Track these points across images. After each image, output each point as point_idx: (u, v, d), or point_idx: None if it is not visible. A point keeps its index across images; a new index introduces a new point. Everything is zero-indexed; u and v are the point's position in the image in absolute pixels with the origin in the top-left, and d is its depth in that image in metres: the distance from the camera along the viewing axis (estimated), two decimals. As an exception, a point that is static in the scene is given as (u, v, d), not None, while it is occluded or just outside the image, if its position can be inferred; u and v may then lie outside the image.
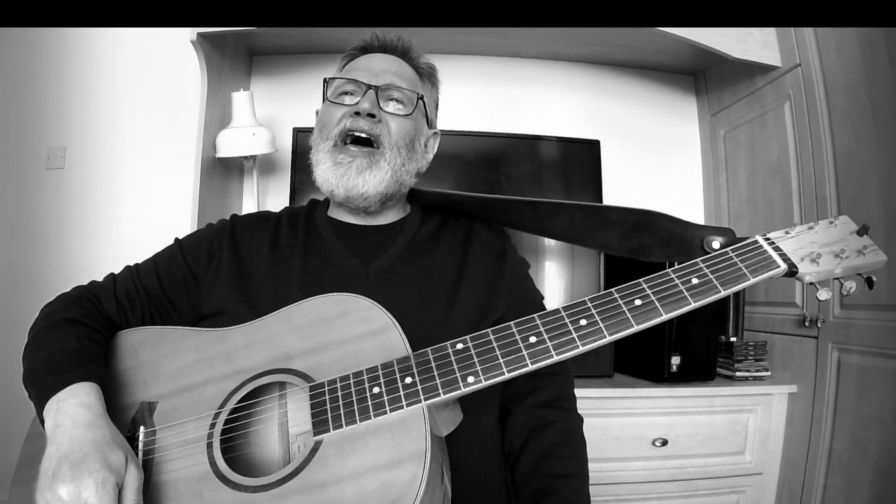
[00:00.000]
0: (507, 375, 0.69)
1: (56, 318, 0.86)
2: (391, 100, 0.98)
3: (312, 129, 1.04)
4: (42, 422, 0.74)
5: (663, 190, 2.40)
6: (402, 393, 0.69)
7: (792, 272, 0.73)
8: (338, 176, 0.93)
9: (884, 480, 1.50)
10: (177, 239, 1.03)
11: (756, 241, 0.75)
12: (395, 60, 1.02)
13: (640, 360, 1.95)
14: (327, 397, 0.72)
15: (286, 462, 0.77)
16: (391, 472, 0.64)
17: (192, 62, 1.90)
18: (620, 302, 0.71)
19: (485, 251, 1.01)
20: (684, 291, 0.71)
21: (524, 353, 0.70)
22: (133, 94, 2.27)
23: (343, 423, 0.69)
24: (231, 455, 0.75)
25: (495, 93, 2.36)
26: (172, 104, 2.25)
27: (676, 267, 0.74)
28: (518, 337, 0.71)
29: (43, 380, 0.76)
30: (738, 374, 1.91)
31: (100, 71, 2.27)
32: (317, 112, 1.06)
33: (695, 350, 1.85)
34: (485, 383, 0.69)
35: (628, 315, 0.70)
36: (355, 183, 0.93)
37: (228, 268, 0.95)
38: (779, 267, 0.72)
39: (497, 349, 0.71)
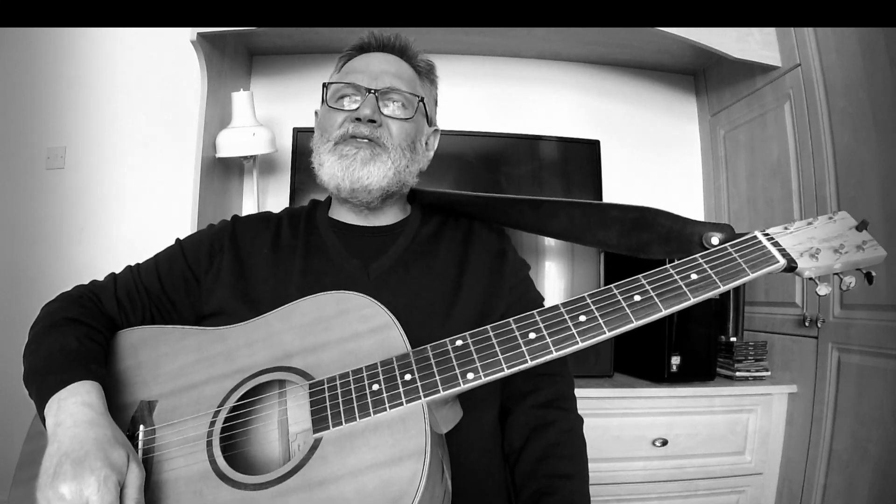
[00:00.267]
0: (507, 372, 0.69)
1: (57, 317, 0.86)
2: (391, 102, 0.97)
3: (312, 129, 1.04)
4: (43, 421, 0.74)
5: (663, 190, 2.40)
6: (401, 390, 0.69)
7: (791, 267, 0.73)
8: (343, 168, 0.93)
9: (884, 480, 1.50)
10: (178, 239, 1.03)
11: (755, 237, 0.75)
12: (393, 60, 1.01)
13: (640, 360, 1.94)
14: (327, 395, 0.72)
15: (286, 460, 0.77)
16: (391, 469, 0.64)
17: (192, 62, 1.90)
18: (619, 298, 0.71)
19: (485, 251, 1.01)
20: (683, 287, 0.71)
21: (523, 349, 0.70)
22: (133, 94, 2.27)
23: (343, 420, 0.69)
24: (231, 453, 0.75)
25: (495, 93, 2.37)
26: (172, 104, 2.25)
27: (675, 263, 0.74)
28: (517, 333, 0.71)
29: (44, 379, 0.76)
30: (738, 374, 1.91)
31: (100, 71, 2.27)
32: (316, 112, 1.06)
33: (695, 350, 1.85)
34: (484, 380, 0.69)
35: (627, 311, 0.70)
36: (360, 174, 0.93)
37: (229, 268, 0.95)
38: (778, 262, 0.72)
39: (496, 346, 0.71)
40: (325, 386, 0.73)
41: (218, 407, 0.77)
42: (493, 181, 2.02)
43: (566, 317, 0.71)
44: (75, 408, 0.72)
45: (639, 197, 2.34)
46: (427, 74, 1.06)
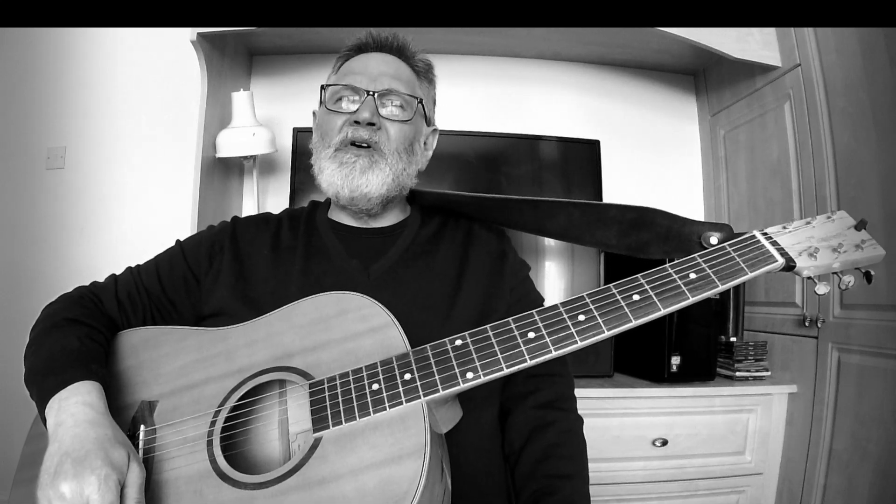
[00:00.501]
0: (506, 371, 0.69)
1: (57, 317, 0.86)
2: (390, 103, 0.97)
3: (311, 129, 1.04)
4: (44, 421, 0.74)
5: (663, 190, 2.41)
6: (401, 389, 0.70)
7: (790, 266, 0.73)
8: (342, 176, 0.93)
9: (884, 480, 1.50)
10: (178, 240, 1.03)
11: (753, 236, 0.76)
12: (391, 60, 1.01)
13: (640, 360, 1.94)
14: (327, 394, 0.72)
15: (286, 459, 0.77)
16: (391, 468, 0.64)
17: (192, 62, 1.90)
18: (618, 297, 0.71)
19: (485, 252, 1.01)
20: (682, 286, 0.71)
21: (522, 348, 0.70)
22: (133, 94, 2.27)
23: (342, 419, 0.70)
24: (231, 453, 0.75)
25: (495, 93, 2.37)
26: (172, 104, 2.25)
27: (674, 262, 0.74)
28: (517, 333, 0.71)
29: (44, 379, 0.76)
30: (738, 374, 1.91)
31: (100, 71, 2.28)
32: (314, 113, 1.06)
33: (695, 350, 1.85)
34: (483, 379, 0.69)
35: (626, 310, 0.70)
36: (359, 182, 0.93)
37: (229, 269, 0.95)
38: (776, 261, 0.73)
39: (496, 345, 0.71)
40: (325, 385, 0.73)
41: (218, 407, 0.77)
42: (493, 181, 2.02)
43: (565, 316, 0.71)
44: (76, 407, 0.72)
45: (639, 197, 2.34)
46: (425, 74, 1.06)
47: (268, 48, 2.25)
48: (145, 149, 2.26)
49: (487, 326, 0.73)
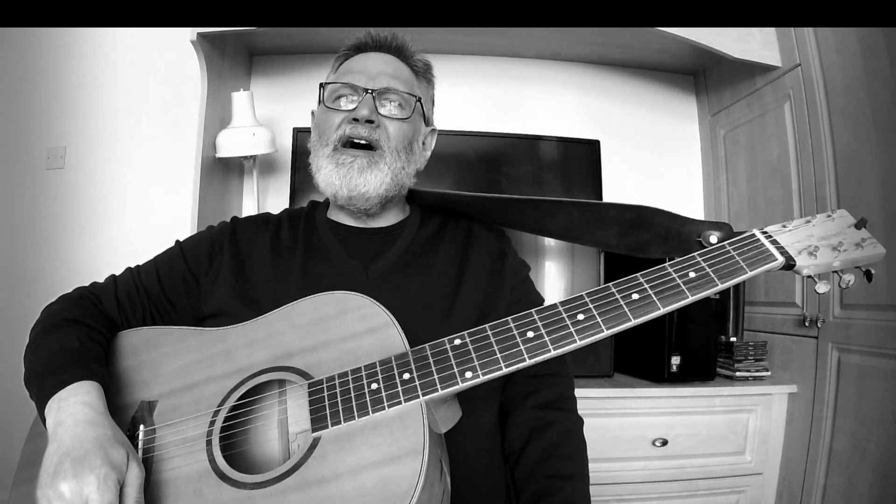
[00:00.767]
0: (505, 370, 0.69)
1: (57, 318, 0.86)
2: (388, 102, 0.97)
3: (311, 129, 1.04)
4: (44, 421, 0.74)
5: (663, 190, 2.41)
6: (399, 389, 0.70)
7: (790, 265, 0.73)
8: (341, 176, 0.93)
9: (884, 480, 1.50)
10: (178, 241, 1.03)
11: (753, 235, 0.76)
12: (390, 60, 1.01)
13: (640, 360, 1.94)
14: (326, 394, 0.72)
15: (286, 459, 0.77)
16: (389, 467, 0.64)
17: (192, 62, 1.90)
18: (618, 296, 0.71)
19: (485, 252, 1.01)
20: (682, 285, 0.71)
21: (521, 347, 0.70)
22: (133, 94, 2.27)
23: (341, 419, 0.70)
24: (231, 452, 0.75)
25: (495, 93, 2.37)
26: (172, 104, 2.25)
27: (673, 261, 0.74)
28: (516, 332, 0.71)
29: (44, 379, 0.76)
30: (738, 374, 1.91)
31: (100, 71, 2.28)
32: (312, 113, 1.06)
33: (695, 350, 1.85)
34: (482, 378, 0.69)
35: (626, 309, 0.70)
36: (357, 182, 0.93)
37: (229, 269, 0.95)
38: (776, 260, 0.73)
39: (495, 344, 0.71)
40: (325, 385, 0.73)
41: (218, 406, 0.77)
42: (493, 181, 2.02)
43: (564, 315, 0.71)
44: (75, 407, 0.72)
45: (639, 197, 2.34)
46: (424, 74, 1.06)
47: (268, 48, 2.25)
48: (145, 149, 2.26)
49: (486, 326, 0.73)
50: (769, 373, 1.92)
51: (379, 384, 0.71)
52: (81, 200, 2.24)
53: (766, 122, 2.02)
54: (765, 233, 0.76)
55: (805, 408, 1.78)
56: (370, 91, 0.95)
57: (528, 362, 0.69)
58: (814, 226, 0.76)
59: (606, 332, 0.69)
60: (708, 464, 1.81)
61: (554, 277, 2.00)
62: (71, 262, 2.21)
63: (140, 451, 0.76)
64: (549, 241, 1.98)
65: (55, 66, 2.28)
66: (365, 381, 0.71)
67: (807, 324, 1.78)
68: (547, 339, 0.70)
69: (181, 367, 0.83)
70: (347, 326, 0.78)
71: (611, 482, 1.75)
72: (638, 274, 0.73)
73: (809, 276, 0.74)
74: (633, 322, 0.70)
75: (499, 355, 0.70)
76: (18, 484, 0.81)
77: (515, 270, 1.03)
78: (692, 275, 0.72)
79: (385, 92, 0.96)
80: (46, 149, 2.25)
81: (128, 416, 0.80)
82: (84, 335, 0.83)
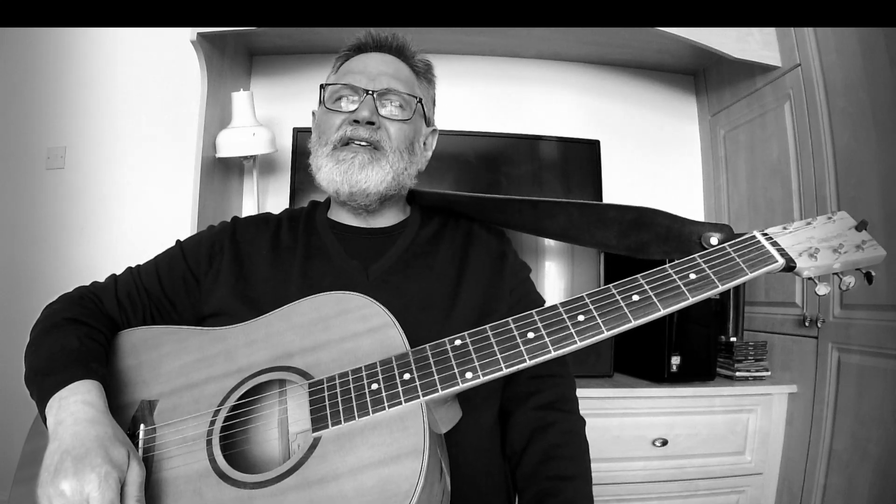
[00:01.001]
0: (505, 371, 0.69)
1: (58, 317, 0.87)
2: (389, 103, 0.97)
3: (311, 129, 1.04)
4: (44, 420, 0.74)
5: (663, 190, 2.41)
6: (400, 389, 0.70)
7: (790, 267, 0.73)
8: (341, 172, 0.93)
9: (884, 480, 1.50)
10: (178, 241, 1.03)
11: (754, 237, 0.76)
12: (391, 60, 1.01)
13: (640, 360, 1.94)
14: (326, 394, 0.72)
15: (286, 459, 0.77)
16: (389, 467, 0.64)
17: (192, 62, 1.90)
18: (618, 297, 0.71)
19: (485, 253, 1.01)
20: (682, 287, 0.71)
21: (522, 348, 0.70)
22: (133, 94, 2.27)
23: (342, 419, 0.70)
24: (231, 452, 0.75)
25: (495, 93, 2.37)
26: (172, 104, 2.25)
27: (674, 263, 0.74)
28: (516, 333, 0.71)
29: (45, 378, 0.77)
30: (738, 374, 1.91)
31: (100, 71, 2.28)
32: (313, 113, 1.06)
33: (695, 350, 1.85)
34: (483, 379, 0.69)
35: (626, 311, 0.70)
36: (358, 178, 0.93)
37: (229, 269, 0.95)
38: (776, 262, 0.73)
39: (495, 345, 0.71)
40: (325, 385, 0.73)
41: (218, 406, 0.78)
42: (493, 181, 2.02)
43: (564, 316, 0.71)
44: (76, 406, 0.72)
45: (639, 197, 2.34)
46: (425, 74, 1.06)
47: (268, 48, 2.25)
48: (145, 149, 2.26)
49: (487, 326, 0.73)
50: (769, 373, 1.92)
51: (379, 384, 0.71)
52: (81, 200, 2.24)
53: (766, 122, 2.02)
54: (765, 234, 0.76)
55: (805, 408, 1.78)
56: (371, 92, 0.95)
57: (529, 363, 0.69)
58: (814, 227, 0.76)
59: (607, 334, 0.69)
60: (708, 464, 1.81)
61: (554, 278, 2.00)
62: (71, 262, 2.21)
63: (140, 451, 0.76)
64: (549, 242, 1.98)
65: (55, 66, 2.28)
66: (365, 381, 0.71)
67: (807, 324, 1.78)
68: (547, 339, 0.70)
69: (181, 366, 0.83)
70: (348, 326, 0.78)
71: (611, 482, 1.75)
72: (638, 275, 0.73)
73: (810, 278, 0.74)
74: (634, 323, 0.70)
75: (499, 356, 0.70)
76: (19, 483, 0.81)
77: (516, 271, 1.03)
78: (692, 276, 0.72)
79: (386, 93, 0.96)
80: (46, 149, 2.25)
81: (128, 415, 0.80)
82: (84, 334, 0.83)
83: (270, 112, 2.22)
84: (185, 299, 0.96)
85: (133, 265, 1.01)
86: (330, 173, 0.94)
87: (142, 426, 0.78)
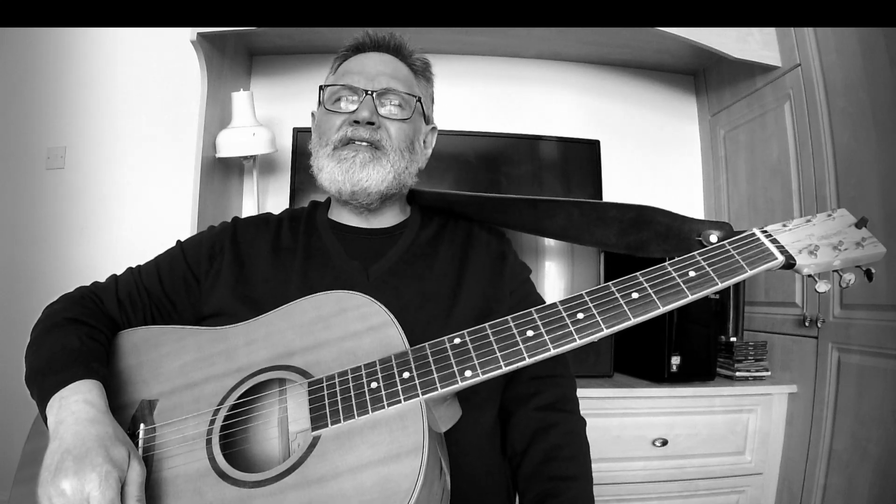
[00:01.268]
0: (505, 369, 0.69)
1: (58, 317, 0.87)
2: (389, 102, 0.97)
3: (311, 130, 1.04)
4: (45, 419, 0.75)
5: (663, 190, 2.41)
6: (399, 388, 0.70)
7: (790, 264, 0.73)
8: (343, 171, 0.93)
9: (884, 480, 1.50)
10: (179, 241, 1.03)
11: (753, 234, 0.76)
12: (389, 60, 1.01)
13: (640, 360, 1.94)
14: (326, 393, 0.72)
15: (286, 458, 0.77)
16: (389, 466, 0.64)
17: (192, 62, 1.90)
18: (617, 295, 0.71)
19: (485, 253, 1.01)
20: (681, 284, 0.71)
21: (521, 346, 0.70)
22: (133, 94, 2.27)
23: (342, 418, 0.70)
24: (231, 451, 0.75)
25: (495, 93, 2.37)
26: (172, 104, 2.25)
27: (673, 260, 0.74)
28: (515, 331, 0.71)
29: (45, 378, 0.77)
30: (738, 374, 1.91)
31: (100, 71, 2.28)
32: (312, 114, 1.06)
33: (695, 350, 1.85)
34: (482, 377, 0.69)
35: (625, 308, 0.70)
36: (360, 177, 0.93)
37: (229, 269, 0.96)
38: (776, 259, 0.73)
39: (494, 343, 0.71)
40: (325, 384, 0.73)
41: (218, 405, 0.78)
42: (493, 181, 2.02)
43: (564, 314, 0.71)
44: (77, 406, 0.72)
45: (639, 197, 2.34)
46: (423, 73, 1.06)
47: (268, 48, 2.25)
48: (145, 149, 2.26)
49: (486, 325, 0.73)
50: (769, 373, 1.92)
51: (379, 383, 0.71)
52: (81, 200, 2.24)
53: (766, 122, 2.02)
54: (765, 232, 0.76)
55: (805, 408, 1.78)
56: (370, 92, 0.95)
57: (528, 361, 0.69)
58: (814, 225, 0.76)
59: (606, 331, 0.69)
60: (708, 464, 1.81)
61: (554, 277, 2.00)
62: (71, 262, 2.21)
63: (140, 450, 0.76)
64: (549, 241, 1.98)
65: (55, 66, 2.28)
66: (365, 380, 0.71)
67: (807, 324, 1.78)
68: (546, 338, 0.70)
69: (181, 366, 0.83)
70: (347, 325, 0.78)
71: (611, 482, 1.75)
72: (638, 273, 0.73)
73: (810, 276, 0.74)
74: (633, 321, 0.70)
75: (498, 354, 0.70)
76: (19, 483, 0.81)
77: (516, 273, 1.03)
78: (692, 274, 0.72)
79: (385, 92, 0.97)
80: (46, 149, 2.25)
81: (128, 414, 0.80)
82: (85, 334, 0.83)
83: (270, 112, 2.22)
84: (185, 299, 0.96)
85: (133, 265, 1.01)
86: (332, 173, 0.94)
87: (142, 425, 0.78)
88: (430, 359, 0.71)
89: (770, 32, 1.94)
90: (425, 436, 0.65)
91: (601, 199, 2.02)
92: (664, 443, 1.77)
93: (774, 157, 1.98)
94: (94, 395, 0.74)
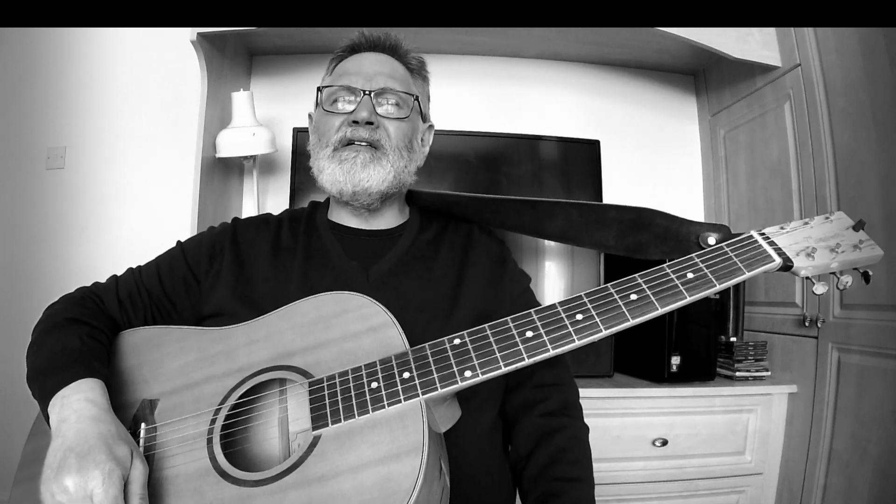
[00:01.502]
0: (504, 369, 0.69)
1: (59, 317, 0.87)
2: (386, 102, 0.98)
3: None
4: (47, 419, 0.75)
5: (663, 190, 2.41)
6: (399, 388, 0.70)
7: (787, 266, 0.74)
8: (344, 172, 0.94)
9: (884, 480, 1.50)
10: (179, 242, 1.04)
11: (751, 237, 0.76)
12: (385, 59, 1.01)
13: (640, 360, 1.95)
14: (326, 393, 0.73)
15: (286, 458, 0.77)
16: (389, 465, 0.64)
17: (192, 62, 1.90)
18: (616, 297, 0.72)
19: (485, 256, 1.02)
20: (679, 286, 0.71)
21: (520, 347, 0.70)
22: (133, 94, 2.27)
23: (342, 417, 0.70)
24: (231, 450, 0.75)
25: (495, 93, 2.37)
26: (172, 104, 2.25)
27: (672, 262, 0.74)
28: (515, 332, 0.72)
29: (47, 377, 0.77)
30: (738, 374, 1.91)
31: (100, 71, 2.28)
32: (309, 116, 1.06)
33: (695, 350, 1.85)
34: (482, 378, 0.70)
35: (624, 309, 0.71)
36: (361, 177, 0.93)
37: (229, 270, 0.96)
38: (774, 261, 0.73)
39: (494, 344, 0.71)
40: (325, 384, 0.74)
41: (219, 405, 0.78)
42: (493, 181, 2.02)
43: (563, 315, 0.72)
44: (79, 404, 0.72)
45: (639, 197, 2.35)
46: (419, 71, 1.07)
47: (268, 48, 2.26)
48: (145, 149, 2.26)
49: (486, 326, 0.74)
50: (769, 373, 1.92)
51: (379, 383, 0.71)
52: (81, 200, 2.24)
53: (766, 122, 2.02)
54: (762, 234, 0.76)
55: (805, 408, 1.78)
56: (368, 92, 0.95)
57: (527, 361, 0.69)
58: (812, 227, 0.76)
59: (605, 332, 0.70)
60: (708, 464, 1.81)
61: (554, 278, 2.00)
62: (71, 262, 2.21)
63: (141, 449, 0.76)
64: (550, 242, 1.98)
65: (55, 66, 2.28)
66: (365, 380, 0.72)
67: (807, 324, 1.78)
68: (546, 338, 0.70)
69: (182, 366, 0.84)
70: (348, 326, 0.78)
71: (611, 482, 1.75)
72: (636, 275, 0.73)
73: (807, 278, 0.74)
74: (632, 322, 0.70)
75: (498, 354, 0.70)
76: (19, 482, 0.81)
77: (516, 279, 1.04)
78: (690, 276, 0.72)
79: (382, 92, 0.97)
80: (46, 149, 2.25)
81: (129, 414, 0.81)
82: (86, 334, 0.83)
83: (270, 112, 2.22)
84: (185, 299, 0.97)
85: (134, 266, 1.01)
86: (333, 174, 0.95)
87: (142, 425, 0.79)
88: (430, 359, 0.72)
89: (770, 32, 1.94)
90: (425, 435, 0.66)
91: (601, 199, 2.02)
92: (664, 443, 1.77)
93: (774, 157, 1.98)
94: (95, 393, 0.75)
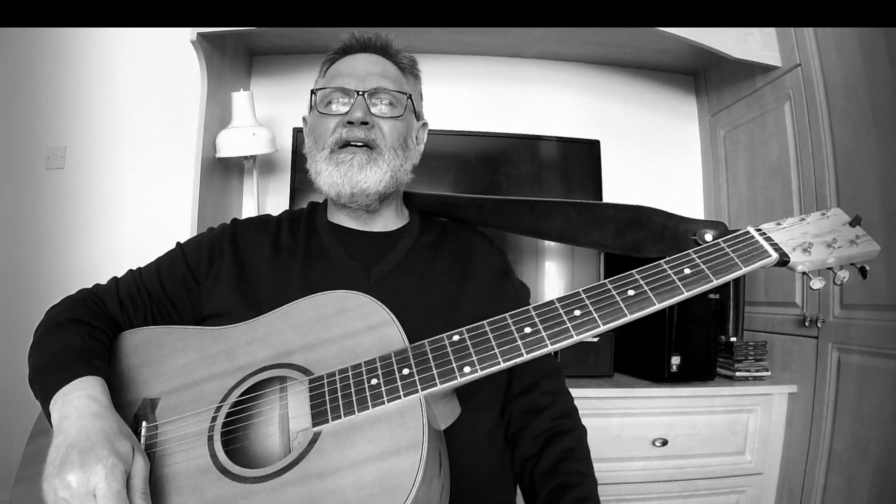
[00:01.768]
0: (503, 365, 0.70)
1: (60, 318, 0.87)
2: (380, 101, 0.98)
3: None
4: (48, 417, 0.75)
5: (663, 190, 2.41)
6: (399, 384, 0.70)
7: (784, 261, 0.74)
8: (341, 174, 0.94)
9: (884, 480, 1.50)
10: (179, 243, 1.04)
11: (748, 232, 0.76)
12: (377, 60, 1.02)
13: (640, 360, 1.94)
14: (326, 389, 0.73)
15: (286, 454, 0.77)
16: (389, 461, 0.64)
17: (192, 62, 1.90)
18: (614, 293, 0.72)
19: (486, 260, 1.03)
20: (677, 281, 0.72)
21: (519, 342, 0.70)
22: (133, 94, 2.28)
23: (342, 414, 0.70)
24: (232, 448, 0.76)
25: (495, 93, 2.37)
26: (172, 104, 2.26)
27: (669, 258, 0.74)
28: (513, 328, 0.72)
29: (48, 376, 0.77)
30: (738, 374, 1.91)
31: (100, 71, 2.28)
32: (304, 118, 1.07)
33: (695, 350, 1.85)
34: (481, 373, 0.70)
35: (621, 305, 0.71)
36: (358, 179, 0.94)
37: (229, 271, 0.96)
38: (770, 256, 0.73)
39: (492, 340, 0.71)
40: (325, 381, 0.74)
41: (219, 403, 0.78)
42: (493, 181, 2.02)
43: (561, 311, 0.72)
44: (80, 401, 0.73)
45: (639, 197, 2.34)
46: (410, 70, 1.08)
47: (268, 48, 2.26)
48: (145, 149, 2.26)
49: (484, 322, 0.74)
50: (769, 373, 1.92)
51: (378, 379, 0.71)
52: (81, 200, 2.25)
53: (766, 122, 2.02)
54: (759, 230, 0.77)
55: (805, 408, 1.78)
56: (361, 93, 0.96)
57: (526, 357, 0.70)
58: (808, 223, 0.77)
59: (603, 328, 0.70)
60: (708, 464, 1.81)
61: (554, 277, 2.00)
62: (71, 262, 2.21)
63: (143, 447, 0.76)
64: (549, 242, 1.98)
65: (55, 66, 2.29)
66: (365, 377, 0.72)
67: (807, 324, 1.78)
68: (544, 334, 0.70)
69: (183, 365, 0.84)
70: (347, 324, 0.78)
71: (611, 482, 1.75)
72: (633, 271, 0.74)
73: (804, 273, 0.75)
74: (629, 317, 0.70)
75: (496, 350, 0.70)
76: (21, 481, 0.81)
77: (517, 292, 1.05)
78: (687, 271, 0.72)
79: (376, 92, 0.98)
80: (46, 149, 2.26)
81: (130, 413, 0.81)
82: (87, 334, 0.84)
83: (270, 112, 2.23)
84: (185, 300, 0.97)
85: (134, 267, 1.02)
86: (331, 176, 0.95)
87: (144, 423, 0.79)
88: (430, 355, 0.72)
89: (770, 32, 1.95)
90: (425, 431, 0.66)
91: (601, 199, 2.03)
92: (664, 443, 1.77)
93: (774, 157, 1.98)
94: (97, 391, 0.75)
